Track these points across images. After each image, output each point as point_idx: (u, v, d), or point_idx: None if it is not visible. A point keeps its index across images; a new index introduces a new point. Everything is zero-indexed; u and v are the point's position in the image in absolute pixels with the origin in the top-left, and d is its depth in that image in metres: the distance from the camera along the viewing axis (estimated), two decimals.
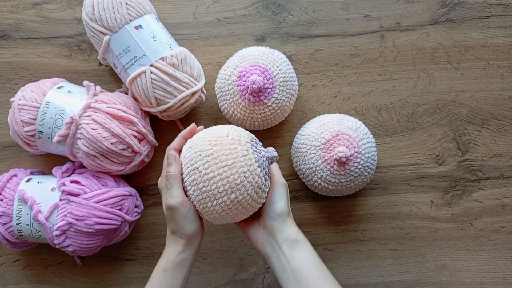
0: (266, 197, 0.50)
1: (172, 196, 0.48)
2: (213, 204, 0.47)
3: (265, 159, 0.48)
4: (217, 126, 0.51)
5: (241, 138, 0.48)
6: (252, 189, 0.47)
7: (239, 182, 0.46)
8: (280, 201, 0.50)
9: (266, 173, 0.48)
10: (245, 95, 0.58)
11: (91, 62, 0.66)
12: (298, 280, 0.47)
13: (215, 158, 0.46)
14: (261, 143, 0.50)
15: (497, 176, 0.66)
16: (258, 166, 0.47)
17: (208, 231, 0.66)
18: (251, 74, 0.57)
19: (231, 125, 0.51)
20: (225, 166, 0.46)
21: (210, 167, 0.46)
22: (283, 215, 0.49)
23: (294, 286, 0.47)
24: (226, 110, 0.61)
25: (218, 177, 0.46)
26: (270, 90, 0.58)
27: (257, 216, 0.52)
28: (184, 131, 0.52)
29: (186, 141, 0.52)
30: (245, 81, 0.57)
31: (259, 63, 0.58)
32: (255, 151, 0.48)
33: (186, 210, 0.48)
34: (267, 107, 0.58)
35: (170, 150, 0.51)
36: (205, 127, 0.66)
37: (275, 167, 0.52)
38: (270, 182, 0.50)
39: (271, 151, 0.49)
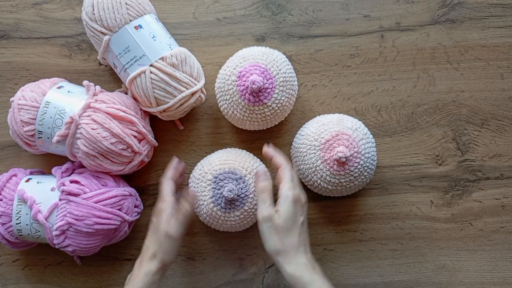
0: None
1: (178, 230, 0.53)
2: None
3: (221, 195, 0.57)
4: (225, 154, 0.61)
5: (207, 175, 0.58)
6: (209, 218, 0.60)
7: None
8: (265, 242, 0.50)
9: (222, 207, 0.57)
10: (244, 95, 0.58)
11: (91, 62, 0.66)
12: None
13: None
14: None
15: (497, 176, 0.66)
16: (212, 202, 0.58)
17: (207, 231, 0.66)
18: (251, 74, 0.57)
19: (238, 152, 0.61)
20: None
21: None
22: (274, 253, 0.49)
23: None
24: (225, 110, 0.61)
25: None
26: (270, 90, 0.58)
27: None
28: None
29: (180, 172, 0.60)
30: (244, 81, 0.57)
31: (259, 63, 0.58)
32: (214, 188, 0.57)
33: (177, 243, 0.53)
34: (266, 107, 0.58)
35: (167, 179, 0.57)
36: (205, 127, 0.66)
37: (260, 187, 0.53)
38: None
39: (226, 191, 0.56)
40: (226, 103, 0.60)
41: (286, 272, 0.48)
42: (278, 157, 0.55)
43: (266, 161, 0.64)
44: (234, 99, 0.59)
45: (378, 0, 0.67)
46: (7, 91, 0.66)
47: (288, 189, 0.50)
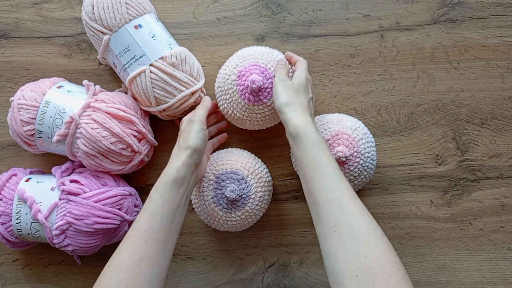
0: None
1: (202, 113, 0.55)
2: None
3: (223, 196, 0.58)
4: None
5: (209, 175, 0.59)
6: (210, 218, 0.60)
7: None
8: (276, 98, 0.54)
9: (224, 208, 0.58)
10: (244, 94, 0.58)
11: (91, 62, 0.66)
12: (301, 169, 0.50)
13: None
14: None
15: (497, 176, 0.66)
16: (213, 202, 0.58)
17: (207, 231, 0.66)
18: (251, 74, 0.57)
19: (240, 152, 0.62)
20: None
21: None
22: (280, 108, 0.53)
23: (299, 171, 0.51)
24: (225, 110, 0.61)
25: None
26: (269, 89, 0.58)
27: None
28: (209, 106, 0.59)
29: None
30: (244, 80, 0.57)
31: (259, 62, 0.58)
32: (216, 188, 0.58)
33: (202, 127, 0.54)
34: (266, 106, 0.58)
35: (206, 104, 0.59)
36: None
37: (278, 65, 0.57)
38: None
39: (228, 191, 0.56)
40: (225, 102, 0.60)
41: (292, 122, 0.51)
42: (295, 56, 0.60)
43: (267, 162, 0.65)
44: (234, 98, 0.59)
45: (378, 0, 0.67)
46: (7, 90, 0.66)
47: (303, 70, 0.57)
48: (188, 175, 0.51)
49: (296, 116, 0.51)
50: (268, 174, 0.62)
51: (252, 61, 0.58)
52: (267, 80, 0.57)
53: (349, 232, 0.43)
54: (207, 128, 0.55)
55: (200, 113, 0.55)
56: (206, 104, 0.58)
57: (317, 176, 0.48)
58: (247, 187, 0.58)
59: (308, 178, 0.48)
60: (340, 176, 0.47)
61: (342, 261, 0.43)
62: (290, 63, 0.60)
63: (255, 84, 0.55)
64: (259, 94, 0.57)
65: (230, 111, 0.60)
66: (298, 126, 0.50)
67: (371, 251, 0.42)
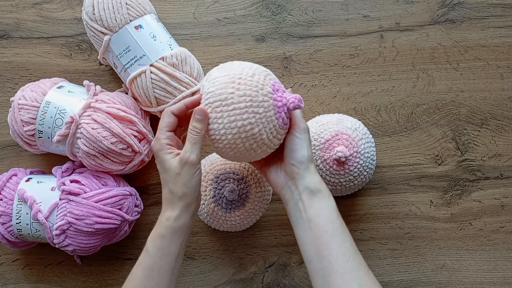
0: (287, 143, 0.49)
1: (194, 152, 0.46)
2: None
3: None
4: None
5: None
6: (209, 218, 0.59)
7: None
8: (303, 147, 0.48)
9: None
10: (280, 113, 0.50)
11: (91, 62, 0.66)
12: (311, 229, 0.46)
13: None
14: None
15: (497, 176, 0.66)
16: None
17: (207, 231, 0.66)
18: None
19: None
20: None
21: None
22: (305, 161, 0.47)
23: (307, 233, 0.46)
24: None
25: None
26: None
27: (279, 160, 0.50)
28: (188, 100, 0.49)
29: (187, 109, 0.49)
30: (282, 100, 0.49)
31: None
32: (215, 188, 0.57)
33: (197, 170, 0.46)
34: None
35: (169, 112, 0.48)
36: None
37: (298, 112, 0.49)
38: (291, 127, 0.49)
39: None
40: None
41: (316, 179, 0.47)
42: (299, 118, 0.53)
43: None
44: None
45: (378, 0, 0.67)
46: (7, 91, 0.66)
47: (303, 119, 0.50)
48: (187, 221, 0.47)
49: (317, 174, 0.48)
50: None
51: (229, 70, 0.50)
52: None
53: None
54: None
55: (193, 150, 0.46)
56: (201, 130, 0.46)
57: (335, 242, 0.44)
58: (247, 187, 0.58)
59: (323, 242, 0.45)
60: (355, 246, 0.46)
61: None
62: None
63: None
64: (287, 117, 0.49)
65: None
66: (321, 184, 0.47)
67: None
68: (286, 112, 0.48)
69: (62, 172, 0.60)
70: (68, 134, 0.56)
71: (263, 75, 0.48)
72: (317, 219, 0.46)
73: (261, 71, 0.49)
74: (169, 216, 0.46)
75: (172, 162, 0.46)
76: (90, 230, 0.56)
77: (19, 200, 0.57)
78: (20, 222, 0.57)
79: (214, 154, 0.62)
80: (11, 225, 0.58)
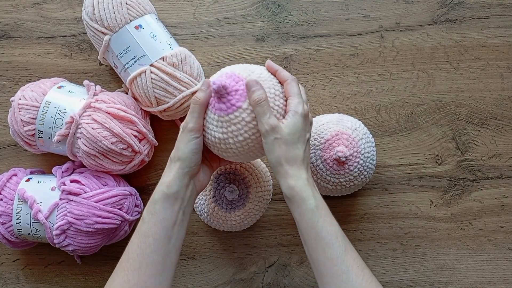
0: None
1: (192, 120, 0.47)
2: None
3: (222, 195, 0.57)
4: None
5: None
6: (210, 218, 0.60)
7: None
8: (268, 152, 0.46)
9: (223, 207, 0.57)
10: (214, 106, 0.48)
11: (91, 62, 0.66)
12: (301, 232, 0.46)
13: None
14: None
15: (497, 176, 0.66)
16: (213, 202, 0.57)
17: (207, 231, 0.66)
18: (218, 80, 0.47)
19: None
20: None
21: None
22: (274, 166, 0.46)
23: (301, 237, 0.47)
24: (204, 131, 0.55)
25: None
26: (241, 91, 0.47)
27: None
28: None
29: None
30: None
31: (234, 71, 0.49)
32: (215, 187, 0.58)
33: (194, 137, 0.47)
34: (243, 111, 0.51)
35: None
36: None
37: (262, 115, 0.46)
38: None
39: (228, 191, 0.56)
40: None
41: (286, 184, 0.45)
42: (283, 71, 0.49)
43: (265, 161, 0.65)
44: (206, 117, 0.50)
45: (378, 0, 0.67)
46: (7, 91, 0.66)
47: (298, 103, 0.47)
48: (181, 189, 0.47)
49: (290, 177, 0.45)
50: (268, 173, 0.62)
51: (229, 71, 0.49)
52: (236, 83, 0.47)
53: None
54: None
55: (191, 119, 0.47)
56: (200, 99, 0.47)
57: (320, 247, 0.44)
58: (247, 187, 0.58)
59: (310, 246, 0.45)
60: (345, 244, 0.44)
61: None
62: (274, 75, 0.50)
63: (217, 83, 0.46)
64: (229, 99, 0.47)
65: (207, 133, 0.50)
66: (293, 189, 0.45)
67: None
68: (219, 101, 0.47)
69: (62, 172, 0.60)
70: (68, 134, 0.56)
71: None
72: (299, 224, 0.46)
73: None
74: (162, 182, 0.47)
75: (185, 136, 0.48)
76: (90, 230, 0.56)
77: (19, 200, 0.57)
78: (20, 222, 0.57)
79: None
80: (11, 225, 0.58)
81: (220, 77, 0.48)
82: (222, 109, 0.47)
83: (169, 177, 0.47)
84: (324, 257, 0.44)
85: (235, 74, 0.48)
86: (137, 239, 0.46)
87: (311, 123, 0.50)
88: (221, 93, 0.46)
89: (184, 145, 0.47)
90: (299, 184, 0.45)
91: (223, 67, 0.61)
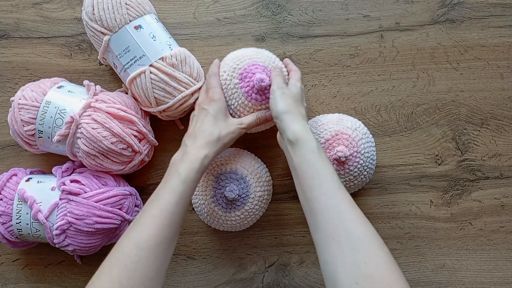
0: None
1: (216, 91, 0.57)
2: None
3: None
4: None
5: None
6: (210, 218, 0.61)
7: None
8: (275, 103, 0.53)
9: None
10: (251, 95, 0.57)
11: (91, 62, 0.66)
12: (298, 176, 0.49)
13: None
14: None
15: (497, 176, 0.66)
16: (213, 202, 0.59)
17: (207, 231, 0.66)
18: (253, 74, 0.57)
19: (239, 152, 0.61)
20: None
21: None
22: (280, 115, 0.52)
23: (296, 180, 0.50)
24: (232, 115, 0.59)
25: None
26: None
27: None
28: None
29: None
30: (248, 81, 0.56)
31: (257, 61, 0.58)
32: (215, 187, 0.59)
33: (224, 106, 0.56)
34: None
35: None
36: None
37: (273, 75, 0.56)
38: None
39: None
40: (231, 108, 0.58)
41: (291, 129, 0.51)
42: (292, 64, 0.60)
43: (267, 161, 0.65)
44: (240, 102, 0.57)
45: (378, 0, 0.67)
46: (7, 90, 0.66)
47: (298, 79, 0.57)
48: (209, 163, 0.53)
49: (295, 123, 0.51)
50: (268, 173, 0.62)
51: (249, 61, 0.58)
52: (269, 77, 0.57)
53: (348, 240, 0.43)
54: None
55: (216, 91, 0.57)
56: (215, 70, 0.59)
57: (316, 183, 0.47)
58: (246, 186, 0.58)
59: (306, 185, 0.48)
60: (339, 183, 0.47)
61: (341, 269, 0.42)
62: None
63: (264, 82, 0.55)
64: (265, 92, 0.57)
65: (237, 116, 0.59)
66: (298, 133, 0.50)
67: (370, 259, 0.42)
68: (257, 92, 0.56)
69: (62, 172, 0.60)
70: (68, 134, 0.56)
71: (232, 68, 0.58)
72: (300, 166, 0.49)
73: (231, 65, 0.58)
74: (208, 154, 0.52)
75: (235, 119, 0.57)
76: (90, 230, 0.56)
77: (19, 200, 0.57)
78: (20, 222, 0.57)
79: None
80: (11, 225, 0.58)
81: (259, 73, 0.56)
82: (258, 99, 0.57)
83: (212, 153, 0.52)
84: (320, 192, 0.47)
85: (266, 67, 0.58)
86: (172, 198, 0.48)
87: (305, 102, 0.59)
88: (260, 89, 0.56)
89: (233, 132, 0.55)
90: (303, 128, 0.51)
91: None
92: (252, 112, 0.58)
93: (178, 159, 0.52)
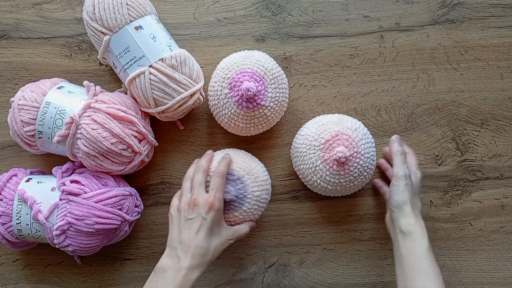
0: (389, 190, 0.59)
1: (219, 198, 0.55)
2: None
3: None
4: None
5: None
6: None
7: None
8: (398, 193, 0.57)
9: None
10: (241, 104, 0.57)
11: (91, 62, 0.66)
12: (402, 265, 0.53)
13: None
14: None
15: (497, 176, 0.66)
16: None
17: None
18: (241, 82, 0.57)
19: (236, 152, 0.61)
20: None
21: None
22: (399, 206, 0.56)
23: (399, 268, 0.54)
24: (227, 124, 0.61)
25: None
26: (263, 91, 0.57)
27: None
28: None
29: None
30: (237, 90, 0.57)
31: (245, 68, 0.58)
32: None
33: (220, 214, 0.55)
34: (265, 108, 0.58)
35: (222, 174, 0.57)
36: (205, 127, 0.66)
37: (397, 160, 0.58)
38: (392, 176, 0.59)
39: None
40: (225, 117, 0.60)
41: (407, 222, 0.55)
42: (404, 145, 0.62)
43: (267, 162, 0.65)
44: (232, 111, 0.59)
45: (378, 0, 0.67)
46: (7, 91, 0.66)
47: (417, 167, 0.61)
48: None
49: (412, 217, 0.55)
50: (266, 172, 0.62)
51: (237, 69, 0.58)
52: (258, 82, 0.57)
53: None
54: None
55: (219, 198, 0.55)
56: (222, 170, 0.57)
57: (421, 279, 0.51)
58: (244, 187, 0.58)
59: (410, 276, 0.52)
60: (442, 283, 0.52)
61: None
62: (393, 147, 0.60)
63: (250, 91, 0.56)
64: (255, 99, 0.57)
65: (232, 124, 0.60)
66: (413, 226, 0.54)
67: None
68: (246, 100, 0.57)
69: (62, 172, 0.60)
70: (68, 135, 0.56)
71: (221, 78, 0.59)
72: (408, 258, 0.53)
73: (221, 75, 0.59)
74: (198, 276, 0.52)
75: (228, 229, 0.56)
76: (90, 230, 0.56)
77: (19, 201, 0.57)
78: (20, 223, 0.57)
79: None
80: (11, 226, 0.58)
81: (247, 81, 0.57)
82: (249, 107, 0.58)
83: (199, 274, 0.52)
84: (421, 286, 0.51)
85: (255, 73, 0.57)
86: None
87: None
88: (249, 97, 0.56)
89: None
90: (419, 224, 0.55)
91: None
92: (246, 120, 0.59)
93: (168, 269, 0.51)
